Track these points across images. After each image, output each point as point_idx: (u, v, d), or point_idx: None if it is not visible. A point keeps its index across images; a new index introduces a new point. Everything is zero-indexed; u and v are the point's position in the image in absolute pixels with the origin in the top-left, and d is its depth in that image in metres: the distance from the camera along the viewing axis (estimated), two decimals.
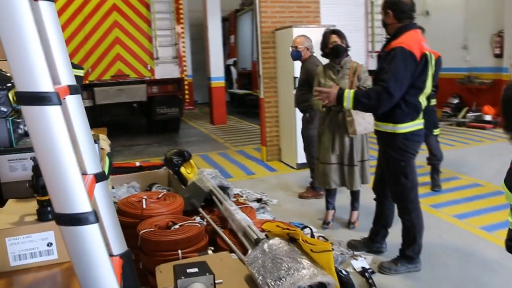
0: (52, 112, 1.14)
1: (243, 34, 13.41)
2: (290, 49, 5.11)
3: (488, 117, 9.53)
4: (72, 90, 1.46)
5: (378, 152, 3.54)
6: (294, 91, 5.20)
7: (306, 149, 5.23)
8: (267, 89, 6.84)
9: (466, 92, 10.37)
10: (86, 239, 1.20)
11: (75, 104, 1.48)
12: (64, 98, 1.39)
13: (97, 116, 9.28)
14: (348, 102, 3.17)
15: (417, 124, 3.26)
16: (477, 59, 10.14)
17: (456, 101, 10.45)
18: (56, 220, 1.19)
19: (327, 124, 4.09)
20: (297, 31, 6.21)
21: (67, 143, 1.17)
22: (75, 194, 1.19)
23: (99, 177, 1.51)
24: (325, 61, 4.33)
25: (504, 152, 7.23)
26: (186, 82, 9.75)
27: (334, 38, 4.04)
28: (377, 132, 3.41)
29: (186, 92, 9.89)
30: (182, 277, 2.15)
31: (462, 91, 10.43)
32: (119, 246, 1.57)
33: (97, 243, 1.22)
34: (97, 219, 1.22)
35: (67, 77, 1.43)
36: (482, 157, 7.04)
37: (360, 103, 3.17)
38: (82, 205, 1.20)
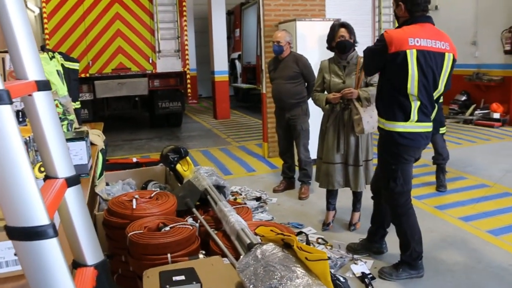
0: (1, 112, 1.00)
1: (248, 27, 13.26)
2: (272, 43, 5.06)
3: (496, 115, 9.31)
4: (40, 86, 1.32)
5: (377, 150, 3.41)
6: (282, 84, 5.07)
7: (300, 142, 5.12)
8: (269, 83, 6.68)
9: (474, 89, 10.15)
10: (43, 255, 1.08)
11: (43, 101, 1.34)
12: (31, 95, 1.26)
13: (97, 110, 9.20)
14: None
15: (412, 126, 3.05)
16: (486, 55, 9.91)
17: (463, 98, 10.24)
18: (8, 235, 1.06)
19: (331, 122, 3.93)
20: (301, 25, 6.08)
21: (20, 146, 1.04)
22: (29, 205, 1.05)
23: (71, 181, 1.38)
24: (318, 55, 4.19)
25: None
26: (189, 76, 9.61)
27: (343, 32, 3.86)
28: (378, 128, 3.30)
29: (189, 86, 9.75)
30: (167, 286, 2.03)
31: (470, 88, 10.22)
32: (93, 255, 1.44)
33: (57, 260, 1.09)
34: (56, 233, 1.09)
35: (35, 72, 1.29)
36: (490, 156, 6.86)
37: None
38: (39, 218, 1.06)
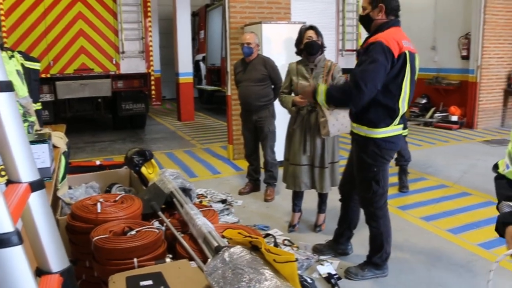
0: None
1: (213, 29, 13.20)
2: (241, 45, 5.04)
3: (454, 118, 9.64)
4: (2, 86, 1.27)
5: (350, 154, 3.43)
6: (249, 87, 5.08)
7: (267, 144, 5.15)
8: (234, 86, 6.68)
9: (434, 92, 10.47)
10: (7, 264, 1.04)
11: (5, 102, 1.29)
12: None
13: (59, 112, 8.96)
14: (321, 96, 3.11)
15: (393, 130, 3.08)
16: (445, 60, 10.25)
17: (424, 101, 10.56)
18: None
19: (298, 124, 3.96)
20: (266, 27, 6.11)
21: None
22: None
23: (36, 185, 1.33)
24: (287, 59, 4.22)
25: (469, 153, 7.32)
26: (153, 77, 9.49)
27: (310, 33, 3.89)
28: (352, 133, 3.27)
29: (153, 87, 9.63)
30: None
31: (430, 91, 10.54)
32: (59, 262, 1.39)
33: (21, 268, 1.06)
34: (21, 240, 1.06)
35: None
36: (448, 157, 7.08)
37: (332, 97, 3.09)
38: (2, 225, 1.03)
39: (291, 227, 4.22)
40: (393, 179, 5.52)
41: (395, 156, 5.42)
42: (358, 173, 3.27)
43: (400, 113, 3.06)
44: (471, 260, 3.66)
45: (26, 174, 1.30)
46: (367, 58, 2.91)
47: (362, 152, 3.17)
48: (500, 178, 1.90)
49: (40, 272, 1.36)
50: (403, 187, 5.38)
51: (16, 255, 1.04)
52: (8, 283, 1.04)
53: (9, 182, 1.30)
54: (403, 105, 3.04)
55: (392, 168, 5.72)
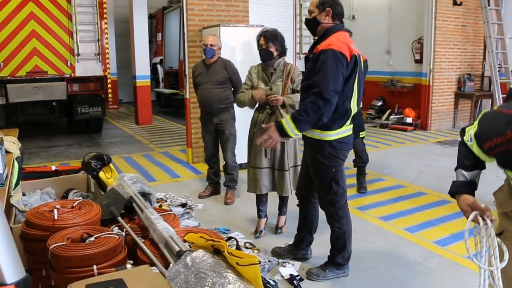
0: None
1: (170, 32, 13.09)
2: (204, 46, 4.99)
3: (409, 120, 9.93)
4: None
5: (303, 158, 3.46)
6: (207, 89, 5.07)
7: (228, 146, 5.15)
8: (192, 89, 6.64)
9: (389, 95, 10.76)
10: None
11: None
12: None
13: (11, 115, 8.64)
14: (291, 129, 2.95)
15: (345, 131, 3.15)
16: (399, 63, 10.56)
17: (379, 103, 10.82)
18: None
19: (258, 127, 3.96)
20: (225, 30, 6.10)
21: None
22: None
23: None
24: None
25: (424, 153, 7.55)
26: (109, 80, 9.29)
27: (261, 41, 3.90)
28: (304, 137, 3.27)
29: (110, 90, 9.42)
30: None
31: (386, 94, 10.82)
32: (14, 273, 1.34)
33: None
34: None
35: None
36: (404, 158, 7.29)
37: (302, 122, 2.93)
38: None
39: (257, 233, 4.19)
40: (351, 180, 5.64)
41: (353, 157, 5.55)
42: (316, 176, 3.28)
43: (352, 114, 3.13)
44: (428, 257, 3.77)
45: None
46: (322, 67, 2.91)
47: (317, 154, 3.19)
48: (464, 145, 1.99)
49: None
50: (361, 188, 5.49)
51: None
52: None
53: None
54: (353, 106, 3.12)
55: (350, 169, 5.86)
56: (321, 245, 3.70)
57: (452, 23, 9.67)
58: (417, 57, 10.03)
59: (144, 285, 2.16)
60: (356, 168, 5.57)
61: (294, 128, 2.94)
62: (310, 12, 3.18)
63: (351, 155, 5.70)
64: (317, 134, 3.13)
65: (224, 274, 2.08)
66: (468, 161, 1.97)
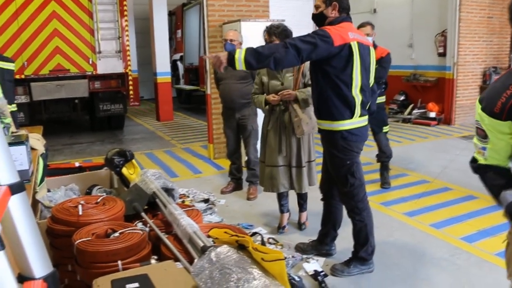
0: None
1: (190, 28, 13.12)
2: (224, 41, 4.98)
3: (432, 114, 9.77)
4: None
5: (323, 152, 3.42)
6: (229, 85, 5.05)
7: (250, 142, 5.13)
8: (213, 84, 6.64)
9: (412, 89, 10.59)
10: None
11: None
12: None
13: (35, 113, 8.77)
14: (239, 55, 2.80)
15: (357, 122, 3.13)
16: (422, 57, 10.37)
17: (402, 98, 10.66)
18: None
19: (272, 124, 3.92)
20: (245, 25, 6.08)
21: None
22: None
23: (16, 188, 1.28)
24: None
25: (448, 148, 7.41)
26: (130, 78, 9.37)
27: (265, 36, 3.87)
28: (319, 130, 3.30)
29: (131, 87, 9.50)
30: None
31: (408, 88, 10.65)
32: (42, 267, 1.34)
33: (4, 274, 1.00)
34: (3, 245, 1.00)
35: None
36: (428, 153, 7.16)
37: (252, 52, 2.82)
38: None
39: (281, 228, 4.15)
40: (375, 175, 5.57)
41: (377, 152, 5.47)
42: (332, 169, 3.29)
43: (357, 103, 3.09)
44: (455, 253, 3.69)
45: (5, 176, 1.25)
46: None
47: (331, 147, 3.21)
48: (483, 172, 1.86)
49: (22, 278, 1.30)
50: (385, 183, 5.41)
51: None
52: None
53: None
54: (357, 94, 3.07)
55: (374, 164, 5.80)
56: (345, 240, 3.65)
57: (478, 15, 9.45)
58: (441, 50, 9.83)
59: (168, 280, 2.15)
60: (379, 163, 5.49)
61: (243, 54, 2.80)
62: (316, 7, 3.17)
63: (373, 149, 5.67)
64: (327, 125, 3.15)
65: (249, 270, 2.06)
66: (502, 179, 1.80)
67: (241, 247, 2.29)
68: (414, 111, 10.17)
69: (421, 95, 10.38)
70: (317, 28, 3.20)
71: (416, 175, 5.93)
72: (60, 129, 10.03)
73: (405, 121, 10.10)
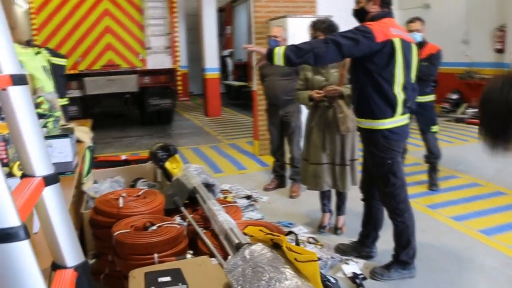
0: None
1: (239, 24, 13.19)
2: (267, 38, 4.94)
3: None
4: (15, 80, 1.25)
5: (363, 151, 3.33)
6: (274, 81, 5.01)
7: (294, 139, 5.07)
8: (259, 81, 6.64)
9: (466, 87, 10.15)
10: (14, 259, 1.01)
11: (19, 95, 1.27)
12: (5, 89, 1.20)
13: (87, 107, 9.10)
14: (279, 52, 2.79)
15: (398, 120, 3.03)
16: (477, 54, 9.91)
17: (455, 96, 10.25)
18: None
19: (316, 121, 3.85)
20: (292, 22, 6.02)
21: None
22: None
23: (50, 179, 1.31)
24: None
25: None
26: (180, 73, 9.53)
27: (311, 31, 3.81)
28: (359, 129, 3.22)
29: (180, 83, 9.67)
30: (152, 287, 1.97)
31: (462, 86, 10.22)
32: (73, 257, 1.38)
33: (28, 263, 1.03)
34: (28, 235, 1.03)
35: (9, 65, 1.23)
36: (482, 155, 6.71)
37: (292, 48, 2.79)
38: (9, 219, 1.00)
39: (321, 228, 4.09)
40: (423, 176, 5.38)
41: (425, 153, 5.29)
42: (373, 168, 3.21)
43: (399, 101, 2.98)
44: (507, 263, 3.47)
45: (40, 168, 1.28)
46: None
47: (372, 146, 3.12)
48: None
49: (55, 266, 1.34)
50: (432, 185, 5.21)
51: (23, 249, 1.02)
52: (15, 277, 1.02)
53: (23, 176, 1.29)
54: (398, 92, 2.97)
55: (421, 165, 5.60)
56: (387, 243, 3.54)
57: None
58: (498, 46, 9.36)
59: (201, 276, 2.16)
60: (427, 164, 5.29)
61: (283, 49, 2.79)
62: (357, 2, 3.10)
63: (421, 149, 5.47)
64: (368, 123, 3.07)
65: (282, 270, 2.03)
66: None
67: (275, 246, 2.26)
68: (468, 110, 9.76)
69: (475, 93, 9.92)
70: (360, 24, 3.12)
71: (467, 177, 5.68)
72: (112, 123, 10.35)
73: (458, 120, 9.71)
